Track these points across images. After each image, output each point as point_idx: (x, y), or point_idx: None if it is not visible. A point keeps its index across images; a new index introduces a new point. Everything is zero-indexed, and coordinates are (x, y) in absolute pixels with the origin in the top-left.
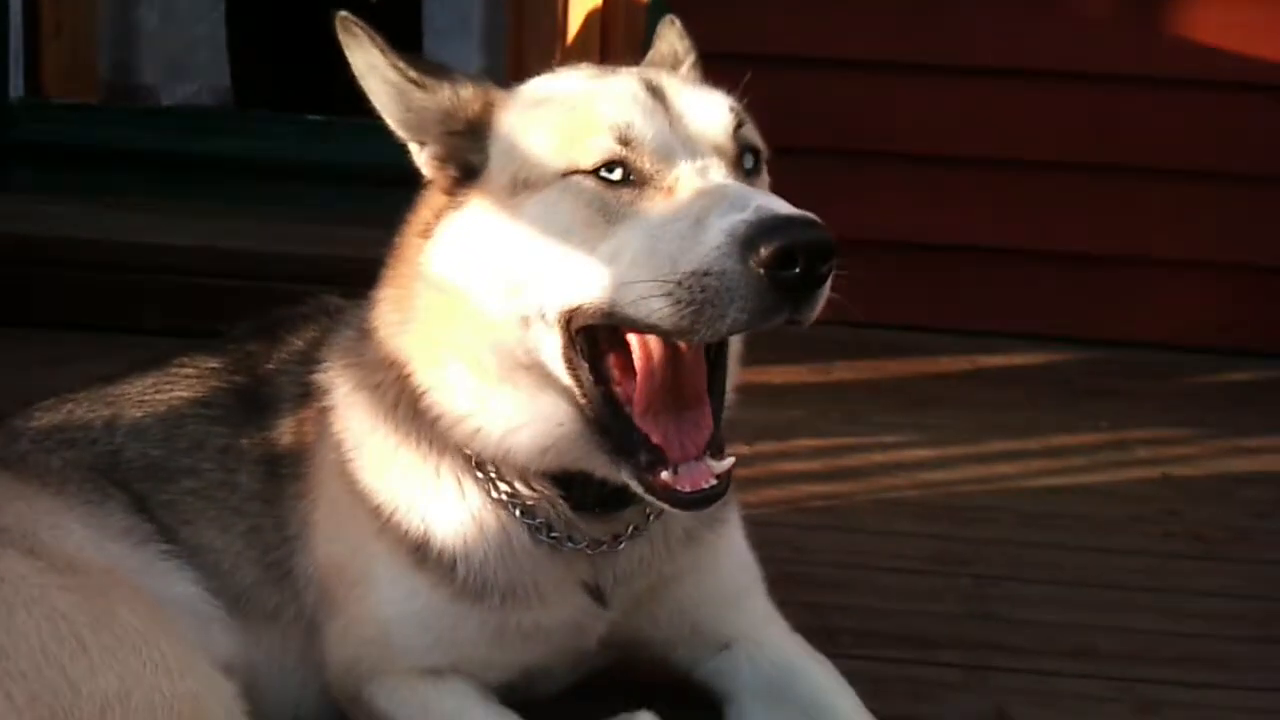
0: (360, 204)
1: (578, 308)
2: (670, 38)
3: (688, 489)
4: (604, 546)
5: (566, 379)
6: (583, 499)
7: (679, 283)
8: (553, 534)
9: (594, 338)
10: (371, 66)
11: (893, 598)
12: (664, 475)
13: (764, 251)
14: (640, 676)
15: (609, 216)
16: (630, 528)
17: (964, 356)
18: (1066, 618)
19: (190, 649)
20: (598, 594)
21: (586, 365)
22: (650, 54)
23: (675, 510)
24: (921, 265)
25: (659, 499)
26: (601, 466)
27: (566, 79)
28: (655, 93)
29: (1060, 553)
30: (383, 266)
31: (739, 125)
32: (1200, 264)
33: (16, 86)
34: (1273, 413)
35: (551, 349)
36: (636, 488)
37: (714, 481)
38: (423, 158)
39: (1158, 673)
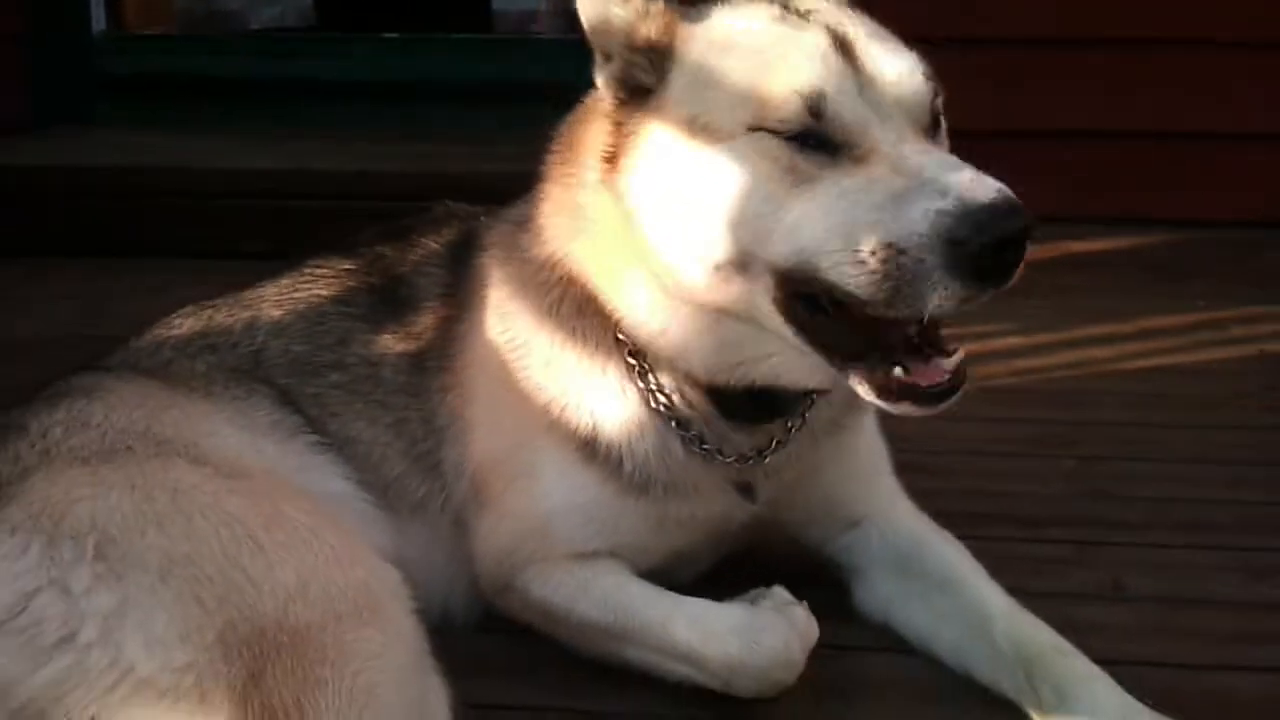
0: (446, 121)
1: (789, 270)
2: None
3: (924, 384)
4: (750, 461)
5: (785, 331)
6: (733, 411)
7: (873, 252)
8: (704, 445)
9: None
10: None
11: (1000, 480)
12: (898, 372)
13: (970, 246)
14: (770, 558)
15: (799, 178)
16: (774, 441)
17: (1050, 243)
18: (1175, 493)
19: (355, 540)
20: (747, 490)
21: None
22: None
23: (915, 409)
24: (1002, 152)
25: (895, 400)
26: (804, 377)
27: (753, 18)
28: (845, 49)
29: (1163, 431)
30: (542, 171)
31: (936, 94)
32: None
33: (99, 20)
34: None
35: (763, 302)
36: (868, 393)
37: (949, 375)
38: (603, 72)
39: (1268, 541)
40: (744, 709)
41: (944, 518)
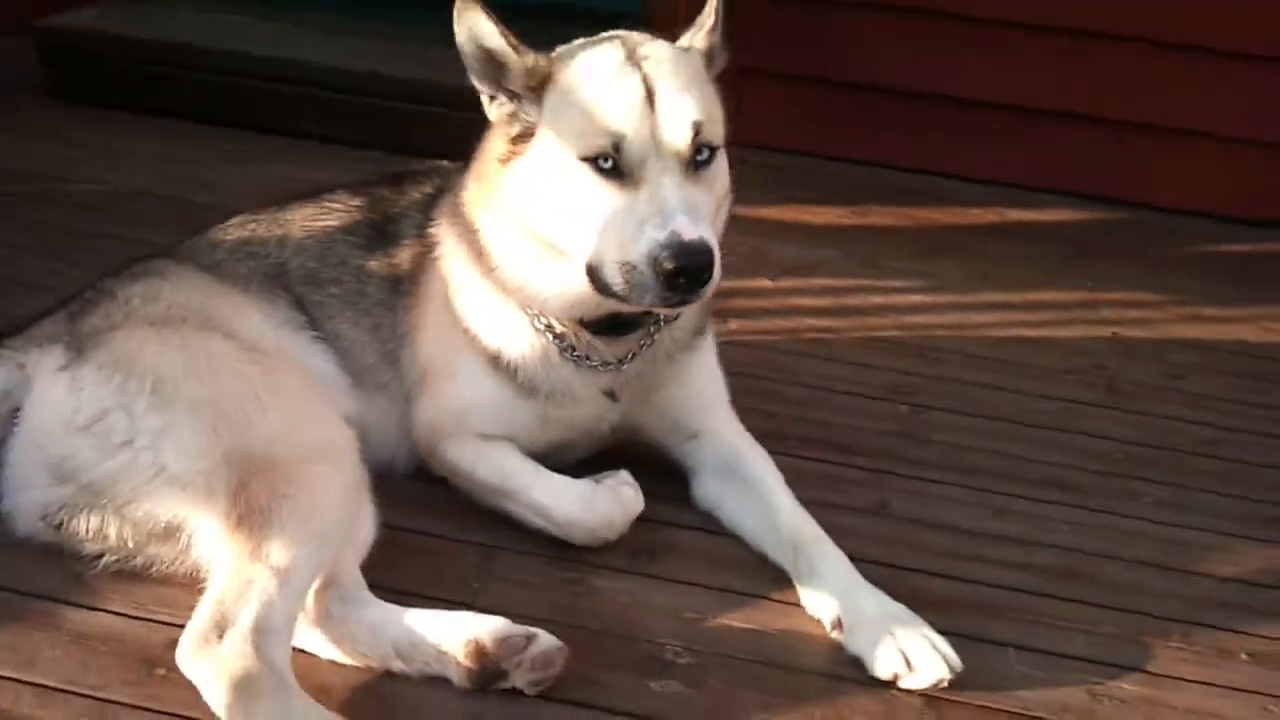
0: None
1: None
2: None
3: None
4: (613, 366)
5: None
6: (597, 329)
7: (621, 264)
8: (576, 354)
9: None
10: (476, 36)
11: (840, 415)
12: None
13: (665, 267)
14: (636, 456)
15: (601, 197)
16: (630, 354)
17: (993, 208)
18: (968, 443)
19: (330, 407)
20: (612, 395)
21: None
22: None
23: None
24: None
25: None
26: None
27: (599, 67)
28: (650, 97)
29: (988, 391)
30: (470, 161)
31: (697, 134)
32: (1239, 139)
33: None
34: (1254, 283)
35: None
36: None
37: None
38: (495, 109)
39: (1018, 489)
40: (578, 552)
41: (777, 438)
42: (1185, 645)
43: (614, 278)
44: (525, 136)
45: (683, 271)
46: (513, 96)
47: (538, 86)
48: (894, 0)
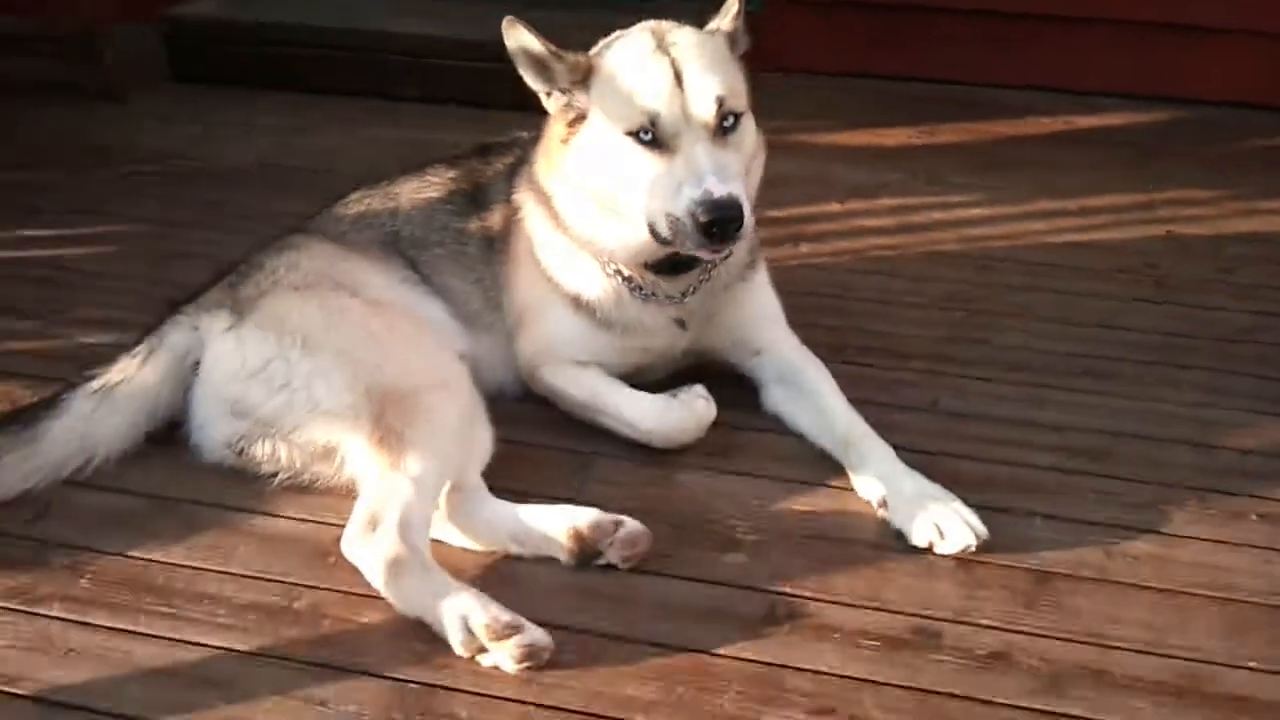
0: None
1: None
2: None
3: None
4: (676, 299)
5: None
6: (659, 270)
7: (666, 216)
8: (644, 292)
9: None
10: (524, 48)
11: (897, 325)
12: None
13: (700, 220)
14: (710, 373)
15: (645, 164)
16: (691, 288)
17: (1061, 117)
18: (1015, 342)
19: (443, 346)
20: (681, 323)
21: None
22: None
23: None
24: (1039, 32)
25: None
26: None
27: (632, 53)
28: (679, 78)
29: (1039, 295)
30: (539, 139)
31: (721, 106)
32: None
33: None
34: None
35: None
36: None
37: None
38: (552, 101)
39: (1060, 381)
40: (661, 455)
41: (838, 348)
42: (1200, 510)
43: (663, 229)
44: (579, 120)
45: (715, 223)
46: (564, 91)
47: (582, 80)
48: None
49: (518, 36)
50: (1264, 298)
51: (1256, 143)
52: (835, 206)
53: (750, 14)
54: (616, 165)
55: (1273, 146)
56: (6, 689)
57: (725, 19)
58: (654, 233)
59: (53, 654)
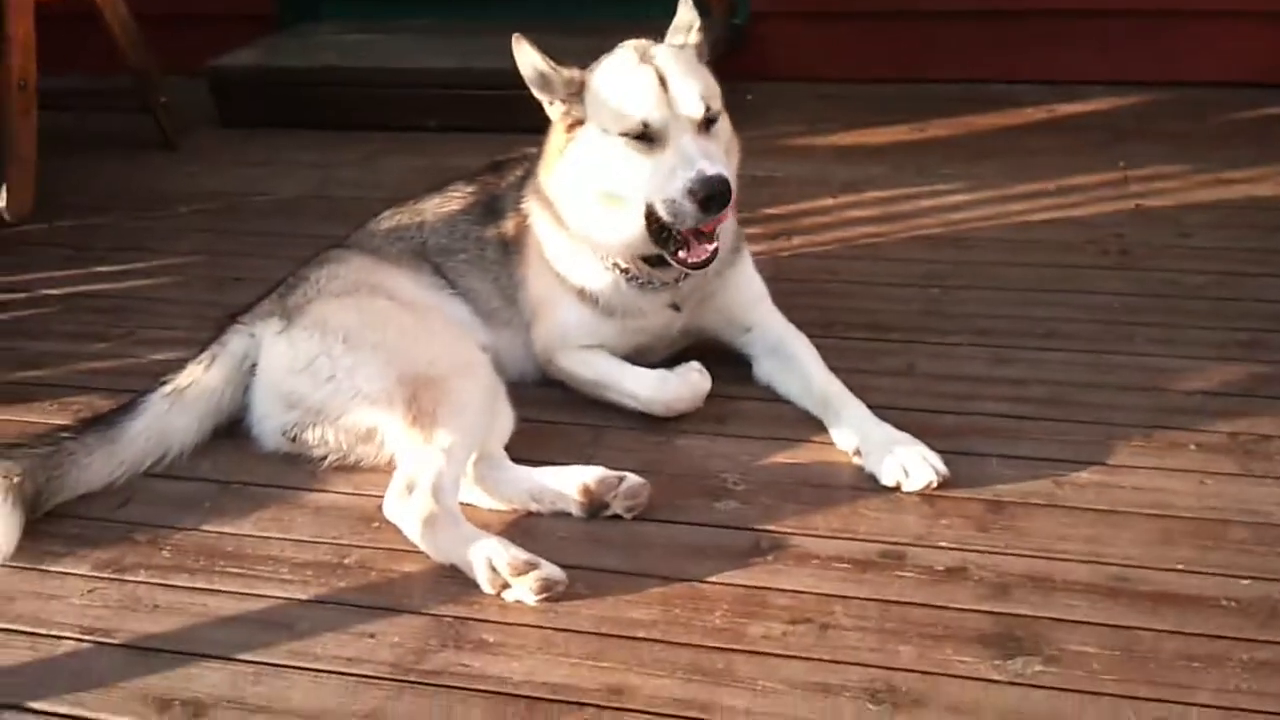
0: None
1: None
2: (684, 11)
3: (692, 260)
4: (670, 285)
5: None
6: (652, 262)
7: (665, 200)
8: (640, 281)
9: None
10: (530, 63)
11: (880, 302)
12: (681, 255)
13: (699, 197)
14: (704, 350)
15: (639, 160)
16: (684, 274)
17: (1043, 106)
18: (986, 311)
19: (468, 339)
20: (676, 307)
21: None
22: (675, 20)
23: (691, 269)
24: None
25: (684, 266)
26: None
27: (618, 67)
28: (664, 83)
29: (1010, 268)
30: (539, 152)
31: (706, 106)
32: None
33: None
34: (1277, 142)
35: (637, 221)
36: (674, 263)
37: (706, 254)
38: (553, 110)
39: (1024, 342)
40: (664, 423)
41: (825, 325)
42: (1144, 443)
43: (663, 212)
44: (576, 125)
45: (711, 197)
46: (563, 100)
47: (578, 91)
48: None
49: (525, 53)
50: (1219, 258)
51: (1226, 117)
52: (829, 201)
53: (735, 25)
54: (614, 164)
55: (1240, 120)
56: (103, 640)
57: (691, 34)
58: (653, 219)
59: (140, 611)
